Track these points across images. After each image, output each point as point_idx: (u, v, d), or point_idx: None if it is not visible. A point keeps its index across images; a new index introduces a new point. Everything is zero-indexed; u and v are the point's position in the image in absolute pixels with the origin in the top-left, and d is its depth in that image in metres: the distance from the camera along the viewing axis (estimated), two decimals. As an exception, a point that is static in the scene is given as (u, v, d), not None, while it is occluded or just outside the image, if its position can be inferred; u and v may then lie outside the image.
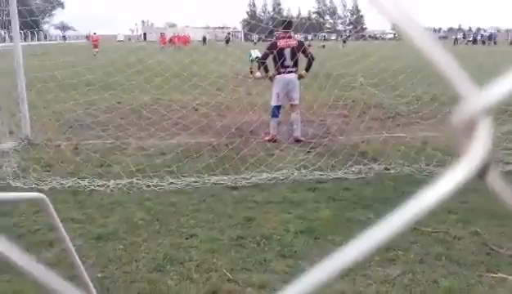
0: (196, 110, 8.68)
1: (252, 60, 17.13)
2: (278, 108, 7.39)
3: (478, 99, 0.38)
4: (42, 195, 1.81)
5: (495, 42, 52.17)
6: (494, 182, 0.41)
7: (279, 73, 7.23)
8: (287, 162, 6.01)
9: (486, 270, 3.39)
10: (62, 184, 5.30)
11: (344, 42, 39.31)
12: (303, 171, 5.74)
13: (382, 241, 0.38)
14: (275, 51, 7.17)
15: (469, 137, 0.38)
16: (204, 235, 4.03)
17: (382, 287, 3.22)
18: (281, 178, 5.51)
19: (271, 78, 7.42)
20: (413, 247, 3.76)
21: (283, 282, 3.30)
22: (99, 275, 3.37)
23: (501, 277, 3.24)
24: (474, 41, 55.35)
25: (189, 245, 3.85)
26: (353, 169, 5.79)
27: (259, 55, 17.25)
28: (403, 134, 7.68)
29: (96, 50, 28.88)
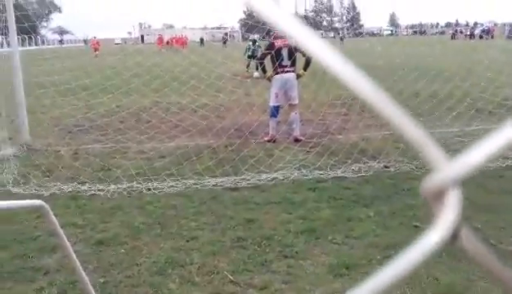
0: (195, 112, 8.68)
1: (249, 56, 17.15)
2: (277, 108, 7.40)
3: (447, 170, 0.40)
4: (41, 202, 1.81)
5: (492, 36, 52.13)
6: (467, 243, 0.44)
7: (277, 73, 7.24)
8: (287, 162, 6.02)
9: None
10: (62, 189, 5.30)
11: (342, 39, 39.28)
12: (303, 170, 5.75)
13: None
14: (272, 51, 7.18)
15: (440, 203, 0.40)
16: (205, 237, 4.04)
17: (383, 286, 3.22)
18: (281, 178, 5.52)
19: (270, 78, 7.43)
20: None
21: (284, 283, 3.31)
22: (101, 280, 3.38)
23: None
24: (471, 35, 55.31)
25: (190, 248, 3.86)
26: (353, 167, 5.80)
27: (256, 39, 17.29)
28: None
29: (97, 53, 29.90)
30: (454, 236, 0.41)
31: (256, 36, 17.81)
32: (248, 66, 16.94)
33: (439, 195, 0.40)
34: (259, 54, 16.79)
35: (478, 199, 4.36)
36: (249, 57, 17.16)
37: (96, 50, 31.58)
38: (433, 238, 0.39)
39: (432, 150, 0.41)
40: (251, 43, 17.46)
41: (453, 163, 0.40)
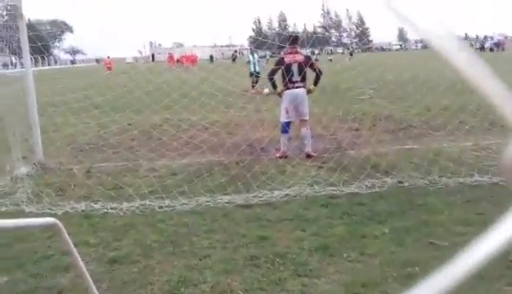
0: (206, 129, 8.70)
1: (251, 73, 17.02)
2: (288, 124, 7.39)
3: None
4: (55, 220, 1.80)
5: (503, 49, 51.92)
6: None
7: (287, 88, 7.25)
8: (299, 178, 5.98)
9: (506, 284, 3.31)
10: (75, 208, 5.31)
11: (351, 54, 39.40)
12: (316, 187, 5.70)
13: (454, 282, 0.34)
14: (282, 67, 7.19)
15: None
16: (217, 256, 4.00)
17: (401, 305, 3.15)
18: (294, 195, 5.47)
19: (280, 94, 7.44)
20: (430, 261, 3.69)
21: (299, 302, 3.25)
22: (114, 300, 3.35)
23: (523, 290, 3.16)
24: (482, 48, 55.09)
25: (203, 266, 3.83)
26: (366, 183, 5.73)
27: (253, 49, 17.10)
28: (415, 146, 7.61)
29: (110, 71, 30.69)
30: None
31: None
32: (253, 83, 16.78)
33: None
34: (259, 66, 16.71)
35: (494, 215, 4.27)
36: (252, 74, 16.97)
37: (108, 69, 32.19)
38: None
39: None
40: (251, 56, 17.30)
41: None
